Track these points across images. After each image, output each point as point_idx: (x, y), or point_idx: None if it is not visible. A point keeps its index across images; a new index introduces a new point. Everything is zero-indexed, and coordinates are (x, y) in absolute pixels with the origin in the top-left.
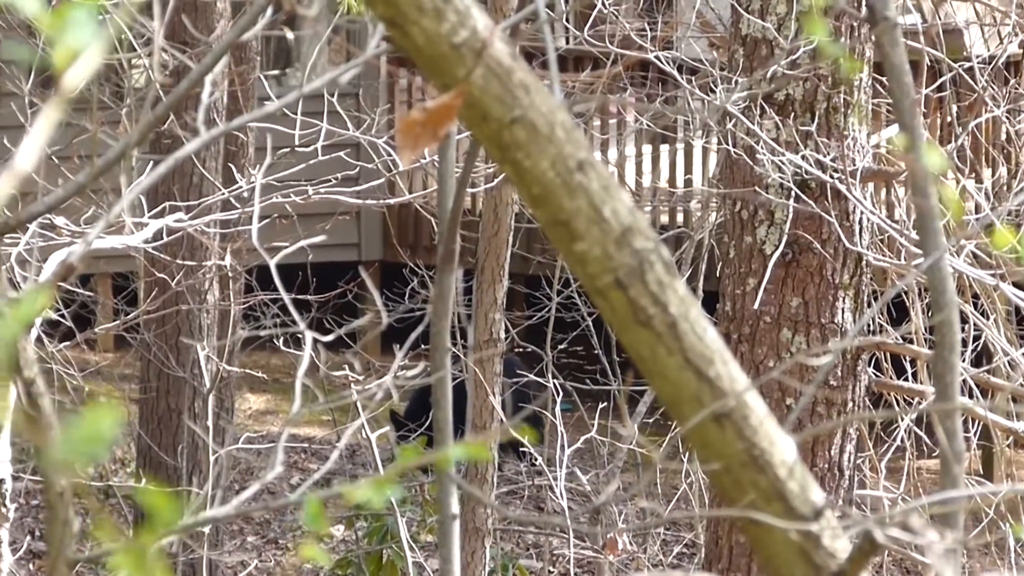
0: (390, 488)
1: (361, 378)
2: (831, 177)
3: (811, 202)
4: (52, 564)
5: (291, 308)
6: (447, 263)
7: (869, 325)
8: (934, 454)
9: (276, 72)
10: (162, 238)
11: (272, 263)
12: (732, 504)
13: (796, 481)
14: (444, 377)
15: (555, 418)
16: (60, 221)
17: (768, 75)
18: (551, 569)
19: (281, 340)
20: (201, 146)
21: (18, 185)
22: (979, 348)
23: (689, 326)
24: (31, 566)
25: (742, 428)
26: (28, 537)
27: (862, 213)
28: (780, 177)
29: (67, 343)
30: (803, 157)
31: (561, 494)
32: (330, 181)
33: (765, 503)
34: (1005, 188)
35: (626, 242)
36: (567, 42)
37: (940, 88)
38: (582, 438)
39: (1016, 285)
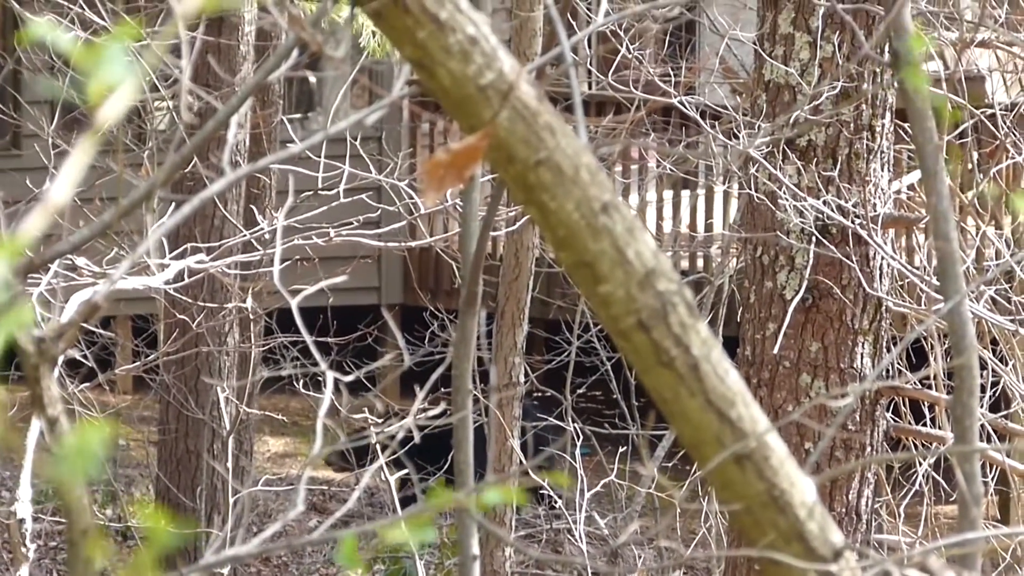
0: (426, 529)
1: (380, 421)
2: (852, 223)
3: (832, 247)
4: None
5: (313, 350)
6: (470, 305)
7: (888, 370)
8: (952, 500)
9: (298, 116)
10: (183, 279)
11: (294, 304)
12: (752, 544)
13: (816, 522)
14: (466, 418)
15: (574, 462)
16: (82, 262)
17: (790, 121)
18: None
19: (300, 383)
20: (226, 186)
21: (43, 224)
22: (997, 394)
23: (711, 367)
24: None
25: (763, 469)
26: None
27: (882, 258)
28: (801, 222)
29: (87, 384)
30: (824, 202)
31: (580, 538)
32: (351, 224)
33: (785, 544)
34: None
35: (649, 284)
36: (590, 87)
37: (961, 135)
38: (601, 482)
39: None
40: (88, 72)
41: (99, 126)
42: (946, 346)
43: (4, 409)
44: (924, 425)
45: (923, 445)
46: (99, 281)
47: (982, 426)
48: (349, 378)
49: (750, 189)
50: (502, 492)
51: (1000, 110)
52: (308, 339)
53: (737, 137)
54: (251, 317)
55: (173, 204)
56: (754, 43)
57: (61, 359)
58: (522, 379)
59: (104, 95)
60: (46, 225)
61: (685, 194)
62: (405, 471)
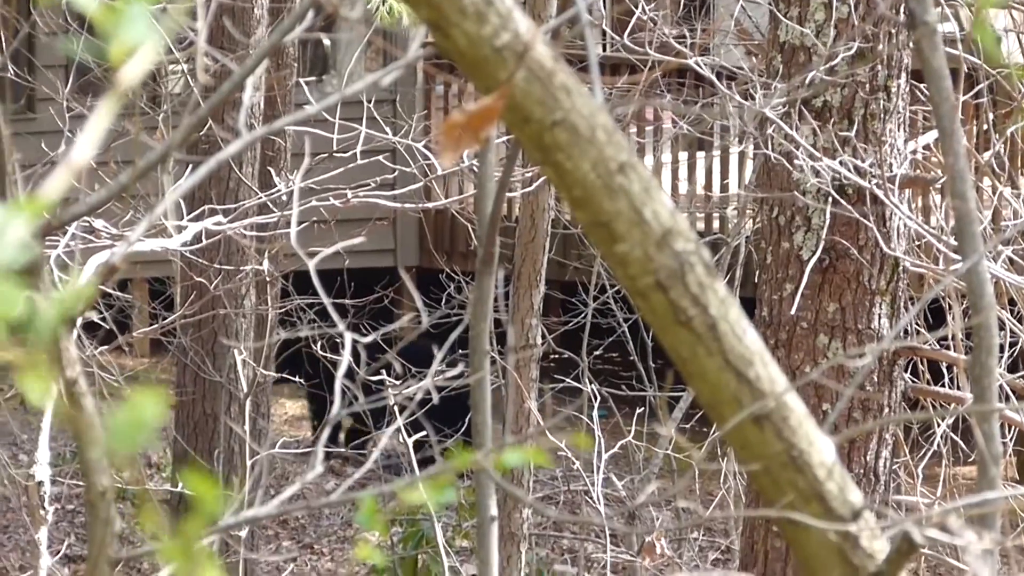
0: (447, 490)
1: (396, 382)
2: (869, 183)
3: (849, 207)
4: (92, 564)
5: (331, 311)
6: (487, 266)
7: (906, 330)
8: (970, 461)
9: (313, 78)
10: (200, 241)
11: (311, 265)
12: (770, 505)
13: (835, 482)
14: (483, 379)
15: (591, 423)
16: (100, 224)
17: (806, 81)
18: (586, 574)
19: (317, 345)
20: (241, 148)
21: (64, 185)
22: (1015, 354)
23: (729, 327)
24: (67, 570)
25: (781, 429)
26: (66, 540)
27: (899, 219)
28: (818, 182)
29: (105, 347)
30: (840, 163)
31: (598, 499)
32: (368, 185)
33: (803, 504)
34: None
35: (667, 244)
36: (605, 48)
37: (977, 95)
38: (618, 444)
39: None
40: (108, 34)
41: (120, 88)
42: (964, 306)
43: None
44: (942, 386)
45: (941, 406)
46: (117, 243)
47: (1000, 386)
48: (368, 339)
49: (766, 150)
50: (522, 454)
51: (1016, 70)
52: (326, 300)
53: (753, 98)
54: (268, 279)
55: (189, 167)
56: (769, 4)
57: (79, 321)
58: (539, 341)
59: (124, 57)
60: (66, 186)
61: (700, 155)
62: (423, 433)
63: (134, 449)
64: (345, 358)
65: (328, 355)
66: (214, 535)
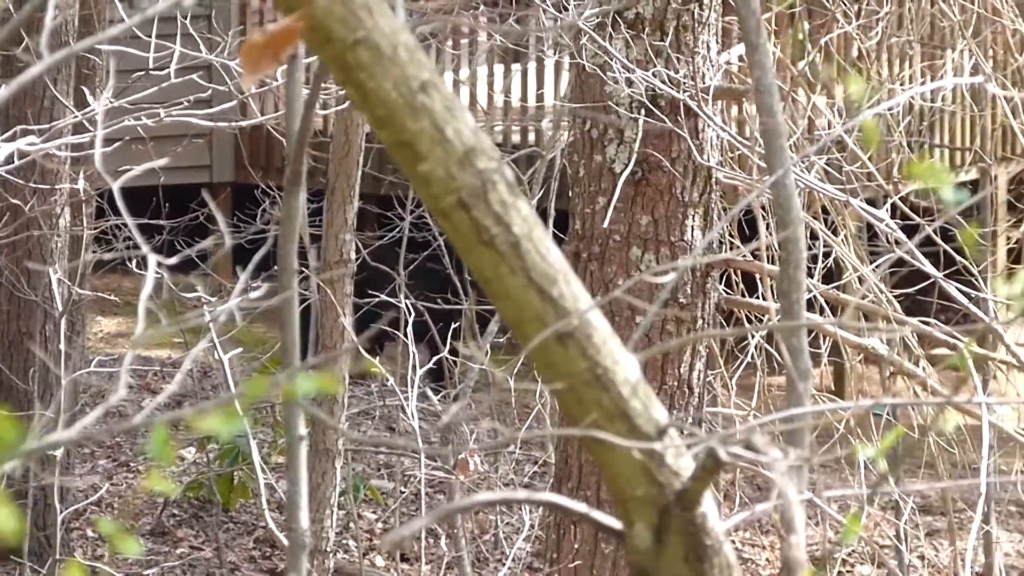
0: (237, 420)
1: (211, 299)
2: (682, 94)
3: (664, 118)
4: None
5: (135, 233)
6: (295, 185)
7: (720, 242)
8: (784, 370)
9: None
10: (12, 162)
11: (116, 187)
12: (576, 423)
13: (639, 400)
14: (291, 298)
15: (406, 339)
16: None
17: None
18: (403, 489)
19: (133, 263)
20: (45, 69)
21: None
22: (829, 265)
23: (532, 246)
24: None
25: (585, 347)
26: None
27: (712, 130)
28: (632, 93)
29: None
30: (653, 74)
31: (412, 414)
32: (182, 104)
33: (608, 422)
34: (856, 105)
35: (469, 162)
36: None
37: (792, 5)
38: (434, 358)
39: (868, 202)
40: None
41: None
42: (776, 218)
43: None
44: (757, 297)
45: (756, 317)
46: None
47: (814, 297)
48: (172, 260)
49: (579, 62)
50: (328, 384)
51: None
52: (131, 222)
53: (566, 9)
54: (83, 199)
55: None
56: None
57: None
58: (353, 255)
59: None
60: None
61: (516, 67)
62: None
63: None
64: (150, 277)
65: (142, 272)
66: (17, 460)
